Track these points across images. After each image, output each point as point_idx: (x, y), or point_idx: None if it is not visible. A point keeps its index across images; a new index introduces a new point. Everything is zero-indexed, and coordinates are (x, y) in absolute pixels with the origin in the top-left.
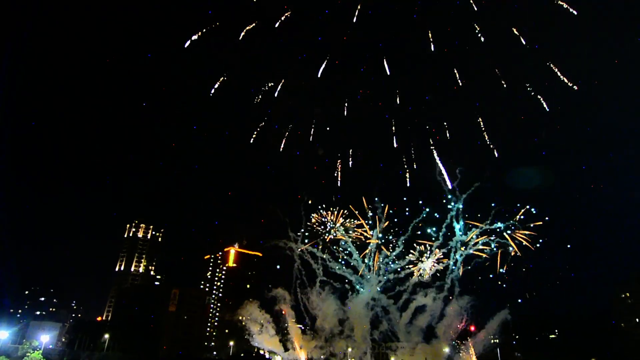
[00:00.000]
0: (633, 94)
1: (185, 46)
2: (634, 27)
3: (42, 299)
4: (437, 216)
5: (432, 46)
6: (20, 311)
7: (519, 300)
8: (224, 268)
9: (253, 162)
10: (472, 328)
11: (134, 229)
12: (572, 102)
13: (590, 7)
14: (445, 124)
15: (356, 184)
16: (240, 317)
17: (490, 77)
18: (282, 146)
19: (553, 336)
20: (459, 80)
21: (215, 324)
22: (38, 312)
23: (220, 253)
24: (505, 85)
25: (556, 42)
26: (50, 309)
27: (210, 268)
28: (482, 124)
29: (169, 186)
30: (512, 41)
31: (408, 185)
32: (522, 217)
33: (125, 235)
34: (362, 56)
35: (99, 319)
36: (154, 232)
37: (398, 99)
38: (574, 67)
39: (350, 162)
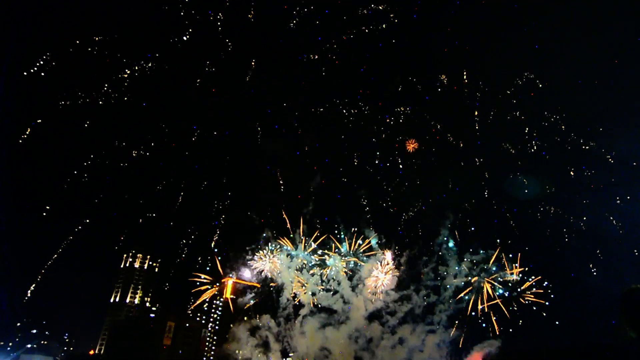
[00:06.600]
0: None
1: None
2: (633, 27)
3: (34, 331)
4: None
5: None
6: (10, 344)
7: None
8: (221, 299)
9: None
10: None
11: (130, 259)
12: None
13: (591, 6)
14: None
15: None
16: (237, 351)
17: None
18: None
19: None
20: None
21: (211, 357)
22: (29, 345)
23: (217, 284)
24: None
25: (556, 41)
26: (42, 342)
27: (207, 299)
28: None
29: (166, 214)
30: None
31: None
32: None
33: (122, 265)
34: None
35: (91, 352)
36: (150, 262)
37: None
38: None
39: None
